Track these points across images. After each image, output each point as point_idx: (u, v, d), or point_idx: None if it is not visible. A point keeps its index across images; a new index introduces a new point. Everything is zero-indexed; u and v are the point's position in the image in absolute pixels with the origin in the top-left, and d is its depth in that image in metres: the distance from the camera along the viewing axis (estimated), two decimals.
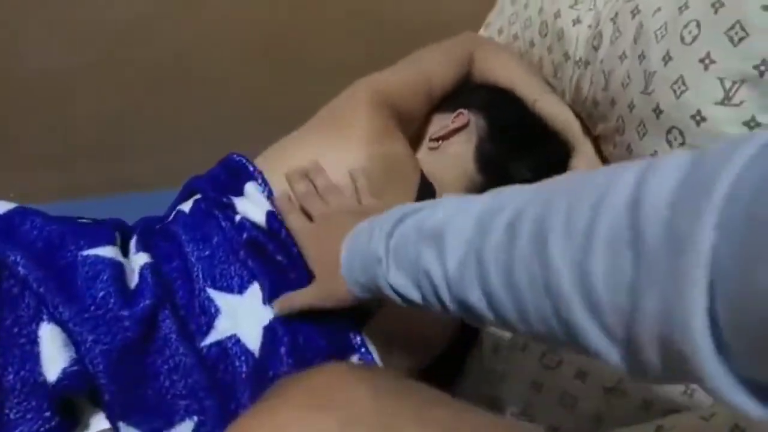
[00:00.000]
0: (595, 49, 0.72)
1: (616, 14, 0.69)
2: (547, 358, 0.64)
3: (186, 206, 0.67)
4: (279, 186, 0.63)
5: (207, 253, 0.59)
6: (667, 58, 0.58)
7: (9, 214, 0.56)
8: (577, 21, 0.77)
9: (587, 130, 0.79)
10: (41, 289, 0.50)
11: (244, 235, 0.60)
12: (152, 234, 0.62)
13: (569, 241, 0.31)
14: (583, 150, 0.78)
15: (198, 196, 0.67)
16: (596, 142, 0.77)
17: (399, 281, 0.45)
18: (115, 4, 0.94)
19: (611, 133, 0.69)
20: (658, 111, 0.59)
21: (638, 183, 0.29)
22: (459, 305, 0.41)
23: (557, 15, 0.81)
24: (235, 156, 0.67)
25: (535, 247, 0.33)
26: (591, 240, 0.30)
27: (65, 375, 0.48)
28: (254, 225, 0.61)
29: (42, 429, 0.47)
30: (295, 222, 0.60)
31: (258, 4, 0.99)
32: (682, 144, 0.58)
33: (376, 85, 0.73)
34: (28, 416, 0.47)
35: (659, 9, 0.60)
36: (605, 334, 0.31)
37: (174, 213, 0.67)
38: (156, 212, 0.70)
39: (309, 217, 0.60)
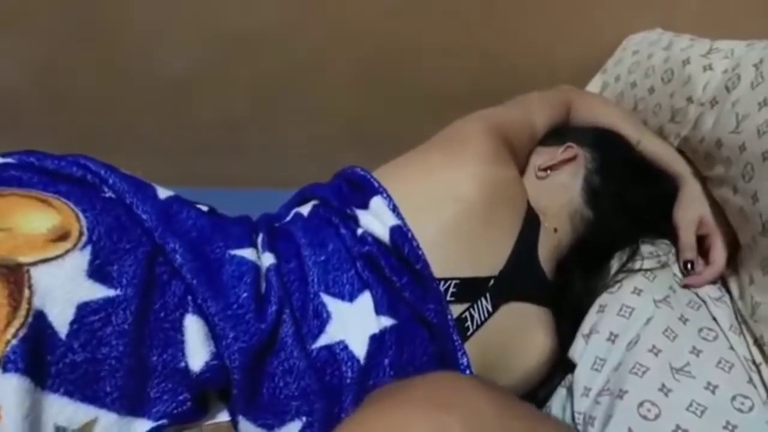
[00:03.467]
0: (728, 90, 0.71)
1: (761, 61, 0.67)
2: (644, 408, 0.62)
3: (304, 210, 0.69)
4: (401, 201, 0.64)
5: (322, 258, 0.61)
6: None
7: (168, 201, 0.60)
8: (708, 68, 0.76)
9: (693, 168, 0.79)
10: (194, 281, 0.53)
11: (365, 249, 0.62)
12: (274, 233, 0.64)
13: None
14: (690, 187, 0.78)
15: (316, 202, 0.70)
16: (704, 181, 0.77)
17: None
18: (238, 14, 0.99)
19: (732, 178, 0.68)
20: None
21: None
22: None
23: (686, 62, 0.80)
24: (359, 170, 0.69)
25: None
26: None
27: (208, 368, 0.51)
28: (376, 240, 0.63)
29: (176, 411, 0.50)
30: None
31: (373, 27, 1.02)
32: None
33: (489, 116, 0.76)
34: (165, 397, 0.50)
35: None
36: None
37: (292, 215, 0.69)
38: (257, 209, 0.73)
39: None
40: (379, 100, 1.09)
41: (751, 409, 0.60)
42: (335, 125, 1.11)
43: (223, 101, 1.07)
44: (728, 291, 0.72)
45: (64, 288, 0.48)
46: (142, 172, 0.64)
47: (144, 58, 1.02)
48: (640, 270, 0.76)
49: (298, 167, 0.92)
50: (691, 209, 0.76)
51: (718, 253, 0.72)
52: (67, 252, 0.49)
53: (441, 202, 0.66)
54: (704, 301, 0.72)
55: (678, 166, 0.80)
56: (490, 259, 0.66)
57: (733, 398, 0.61)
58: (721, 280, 0.74)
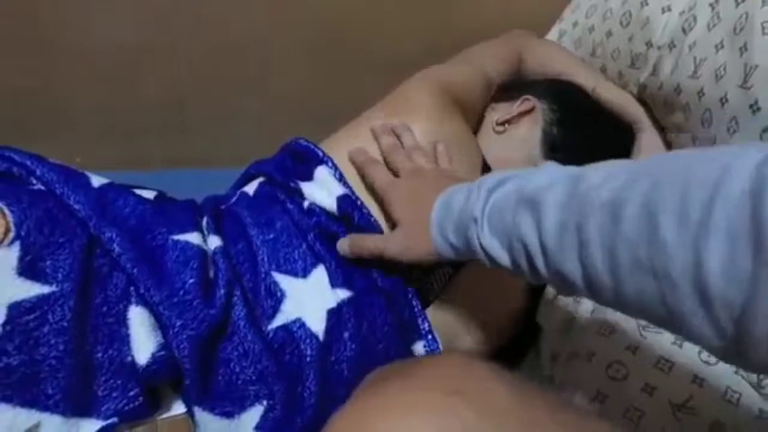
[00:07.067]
0: (684, 32, 0.68)
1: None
2: (613, 368, 0.62)
3: (250, 188, 0.67)
4: (348, 170, 0.63)
5: (271, 236, 0.59)
6: None
7: (103, 189, 0.57)
8: (666, 9, 0.74)
9: (652, 115, 0.77)
10: (134, 270, 0.50)
11: (313, 220, 0.60)
12: (220, 216, 0.62)
13: (684, 227, 0.31)
14: (648, 132, 0.78)
15: (262, 179, 0.67)
16: (663, 129, 0.75)
17: (492, 244, 0.45)
18: None
19: (692, 126, 0.66)
20: (755, 108, 0.55)
21: (759, 169, 0.28)
22: (554, 273, 0.41)
23: (644, 3, 0.78)
24: (301, 141, 0.67)
25: (645, 228, 0.33)
26: (708, 229, 0.29)
27: (154, 360, 0.48)
28: (323, 210, 0.61)
29: (126, 408, 0.48)
30: (379, 174, 0.60)
31: None
32: None
33: (436, 75, 0.74)
34: (114, 394, 0.48)
35: None
36: (712, 325, 0.30)
37: (238, 195, 0.67)
38: (210, 188, 0.71)
39: (393, 173, 0.61)
40: (332, 69, 1.04)
41: (718, 361, 0.60)
42: (286, 97, 1.06)
43: (167, 75, 1.00)
44: None
45: None
46: (81, 158, 0.61)
47: (76, 27, 0.94)
48: None
49: (250, 143, 0.88)
50: (650, 154, 0.74)
51: None
52: None
53: None
54: None
55: (634, 111, 0.79)
56: None
57: (700, 351, 0.61)
58: None
